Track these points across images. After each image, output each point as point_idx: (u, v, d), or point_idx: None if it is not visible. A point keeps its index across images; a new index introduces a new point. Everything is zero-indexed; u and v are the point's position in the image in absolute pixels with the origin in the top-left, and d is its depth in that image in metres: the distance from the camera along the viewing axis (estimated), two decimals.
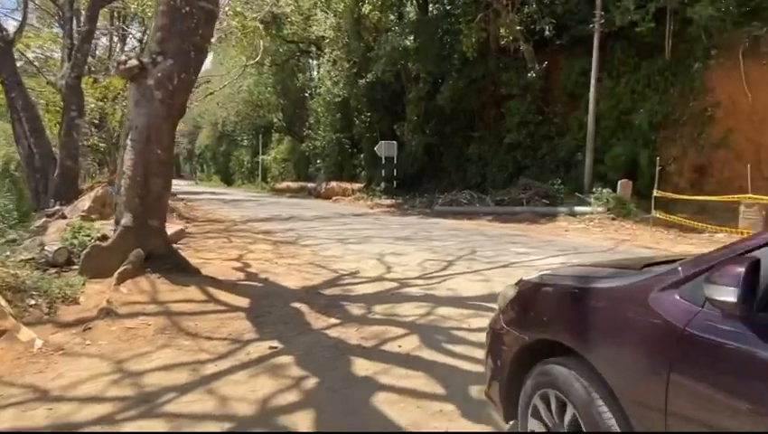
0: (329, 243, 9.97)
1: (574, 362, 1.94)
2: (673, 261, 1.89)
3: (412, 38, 21.31)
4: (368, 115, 25.21)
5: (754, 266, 1.40)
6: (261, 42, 23.84)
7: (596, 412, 1.78)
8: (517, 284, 2.52)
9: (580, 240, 10.63)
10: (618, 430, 1.71)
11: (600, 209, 13.40)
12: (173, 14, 5.31)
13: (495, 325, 2.52)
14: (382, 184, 22.94)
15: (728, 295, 1.40)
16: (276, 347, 4.10)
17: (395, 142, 22.55)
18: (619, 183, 13.59)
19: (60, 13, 14.40)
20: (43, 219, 9.14)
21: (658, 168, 12.06)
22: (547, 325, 2.22)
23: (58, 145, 11.68)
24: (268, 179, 39.00)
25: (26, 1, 14.12)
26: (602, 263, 2.61)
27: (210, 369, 3.67)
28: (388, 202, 20.43)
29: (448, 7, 21.59)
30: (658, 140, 14.39)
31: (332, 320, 4.86)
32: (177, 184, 43.73)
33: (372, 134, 25.21)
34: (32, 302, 4.43)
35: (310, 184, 29.31)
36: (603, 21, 14.62)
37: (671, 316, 1.61)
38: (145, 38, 18.73)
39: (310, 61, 34.29)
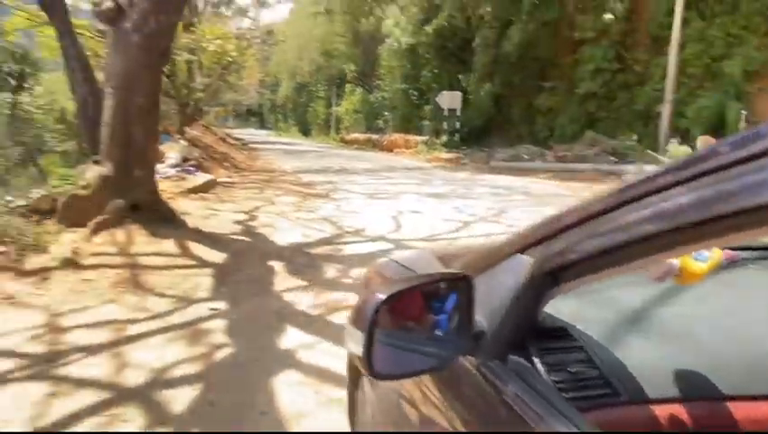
0: (358, 198, 9.63)
1: None
2: None
3: None
4: (435, 64, 24.09)
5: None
6: None
7: None
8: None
9: None
10: None
11: None
12: None
13: None
14: (444, 137, 22.04)
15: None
16: (216, 309, 3.86)
17: (459, 93, 21.40)
18: (699, 138, 11.93)
19: None
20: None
21: (743, 123, 10.39)
22: None
23: None
24: (341, 131, 39.04)
25: None
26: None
27: (135, 329, 3.50)
28: (448, 156, 19.58)
29: None
30: (753, 91, 12.42)
31: (299, 282, 4.54)
32: (256, 135, 45.25)
33: (439, 84, 24.10)
34: (2, 249, 4.48)
35: (375, 137, 28.91)
36: None
37: None
38: None
39: (382, 7, 33.17)
